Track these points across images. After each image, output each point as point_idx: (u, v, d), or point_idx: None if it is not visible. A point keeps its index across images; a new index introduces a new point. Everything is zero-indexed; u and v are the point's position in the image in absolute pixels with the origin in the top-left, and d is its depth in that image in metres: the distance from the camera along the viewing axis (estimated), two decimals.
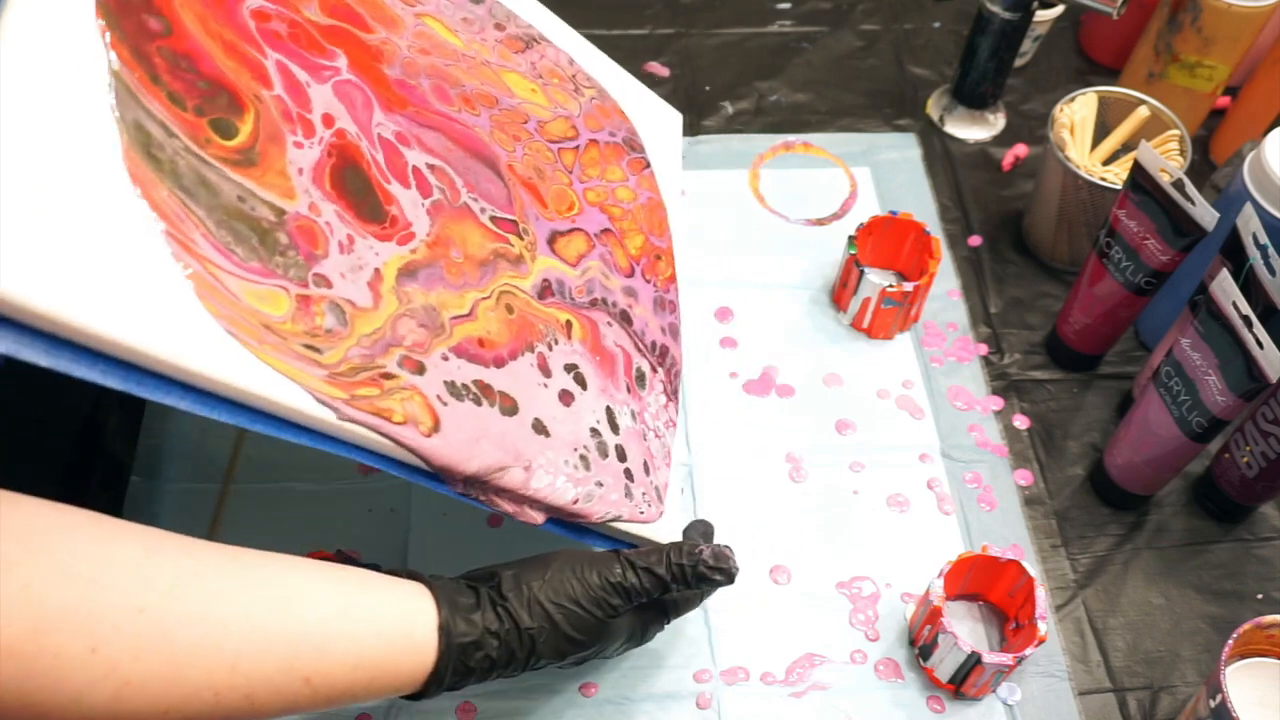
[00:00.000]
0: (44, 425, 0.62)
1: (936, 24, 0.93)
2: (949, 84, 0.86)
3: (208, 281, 0.40)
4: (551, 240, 0.57)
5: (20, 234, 0.34)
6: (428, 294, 0.49)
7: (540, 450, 0.51)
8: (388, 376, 0.45)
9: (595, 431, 0.54)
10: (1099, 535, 0.65)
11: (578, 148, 0.62)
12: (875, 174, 0.82)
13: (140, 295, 0.37)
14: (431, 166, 0.52)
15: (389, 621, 0.44)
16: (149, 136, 0.40)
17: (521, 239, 0.55)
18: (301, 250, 0.44)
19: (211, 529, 0.63)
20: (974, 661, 0.55)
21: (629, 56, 0.89)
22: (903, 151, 0.83)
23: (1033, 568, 0.58)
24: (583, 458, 0.53)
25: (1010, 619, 0.60)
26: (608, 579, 0.48)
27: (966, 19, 0.86)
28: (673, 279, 0.64)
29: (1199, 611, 0.63)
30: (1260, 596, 0.64)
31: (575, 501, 0.51)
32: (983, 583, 0.61)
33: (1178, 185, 0.60)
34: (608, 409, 0.56)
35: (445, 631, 0.45)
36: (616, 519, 0.53)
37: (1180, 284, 0.65)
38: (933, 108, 0.86)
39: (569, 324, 0.56)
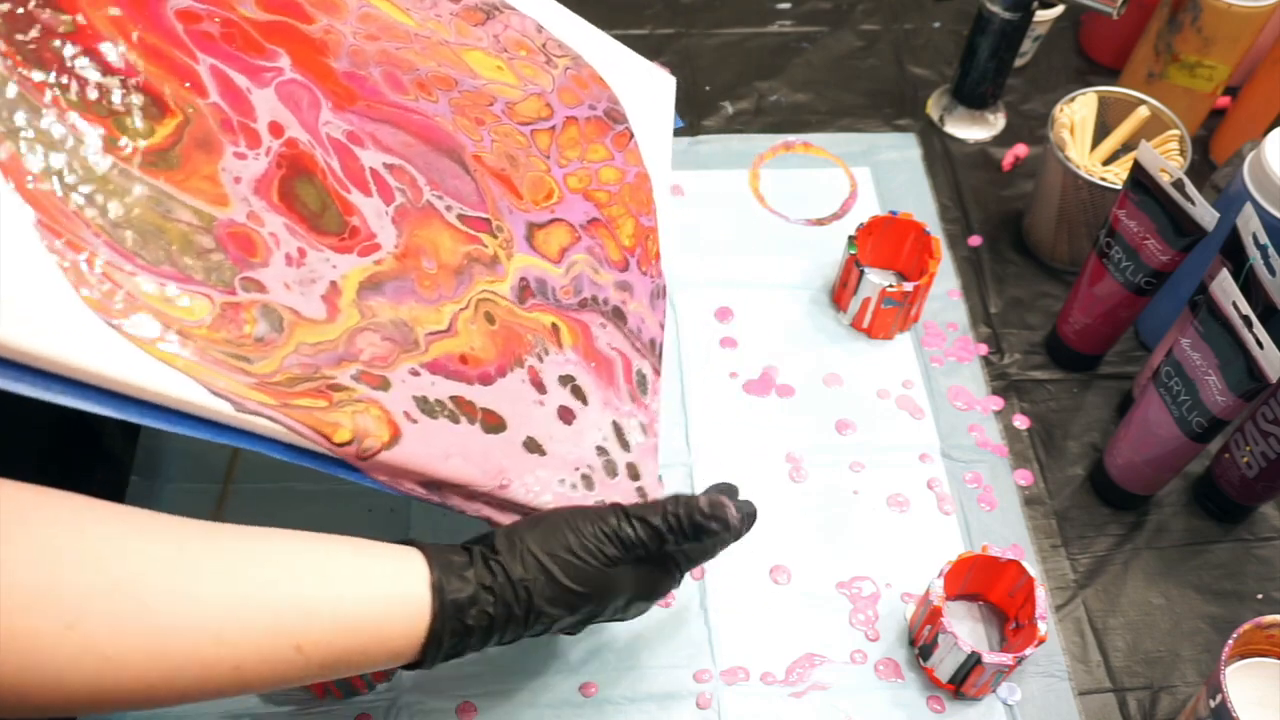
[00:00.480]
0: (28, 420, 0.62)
1: (936, 24, 0.93)
2: (949, 84, 0.86)
3: (89, 276, 0.37)
4: (529, 235, 0.53)
5: None
6: (397, 308, 0.46)
7: (529, 469, 0.49)
8: (337, 388, 0.43)
9: (602, 450, 0.52)
10: (1099, 535, 0.65)
11: (554, 128, 0.57)
12: (875, 174, 0.82)
13: (7, 289, 0.35)
14: (390, 166, 0.49)
15: (379, 583, 0.43)
16: (16, 128, 0.37)
17: (495, 237, 0.52)
18: (230, 255, 0.41)
19: None
20: (974, 661, 0.55)
21: None
22: (903, 151, 0.83)
23: (1033, 568, 0.58)
24: (585, 477, 0.51)
25: (1010, 619, 0.60)
26: (601, 529, 0.47)
27: (966, 19, 0.86)
28: (658, 256, 0.60)
29: (1199, 611, 0.63)
30: (1260, 596, 0.64)
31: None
32: (983, 583, 0.61)
33: (1178, 185, 0.60)
34: (614, 424, 0.54)
35: (438, 590, 0.43)
36: None
37: (1180, 284, 0.65)
38: (933, 108, 0.86)
39: (555, 328, 0.53)
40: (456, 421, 0.47)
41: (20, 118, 0.37)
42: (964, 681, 0.57)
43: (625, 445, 0.53)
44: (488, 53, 0.56)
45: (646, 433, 0.55)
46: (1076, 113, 0.74)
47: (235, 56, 0.45)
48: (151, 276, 0.39)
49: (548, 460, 0.50)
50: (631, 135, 0.61)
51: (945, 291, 0.75)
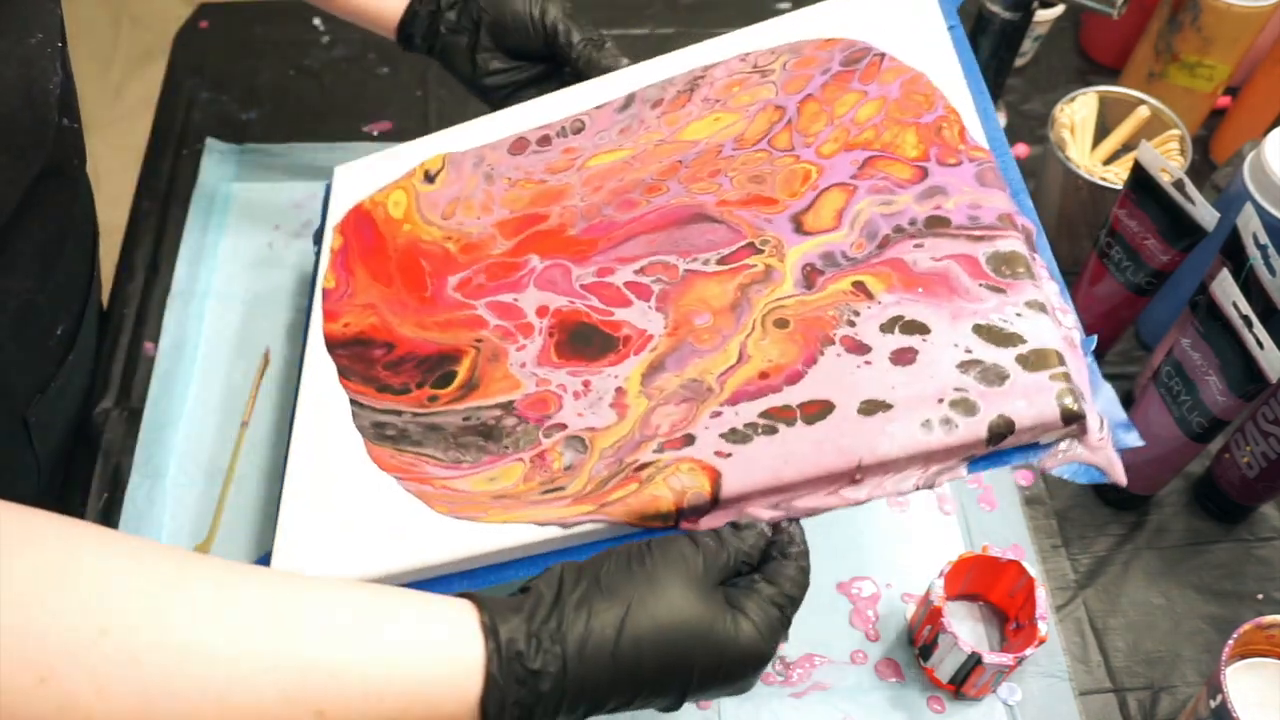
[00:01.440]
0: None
1: None
2: None
3: (436, 494, 0.48)
4: (796, 226, 0.51)
5: (310, 530, 0.50)
6: (682, 373, 0.48)
7: (877, 430, 0.44)
8: (643, 467, 0.46)
9: (969, 364, 0.44)
10: (1099, 535, 0.65)
11: (789, 122, 0.55)
12: None
13: (388, 533, 0.48)
14: (640, 270, 0.52)
15: (420, 634, 0.37)
16: (381, 426, 0.51)
17: (761, 252, 0.51)
18: (531, 419, 0.49)
19: (211, 529, 0.63)
20: (974, 662, 0.55)
21: (629, 56, 0.89)
22: None
23: (1033, 568, 0.58)
24: (957, 403, 0.43)
25: (1010, 619, 0.60)
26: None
27: (967, 19, 0.86)
28: (963, 132, 0.52)
29: (1199, 611, 0.63)
30: (1260, 596, 0.64)
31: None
32: (983, 583, 0.61)
33: (1178, 185, 0.60)
34: (977, 327, 0.45)
35: (490, 632, 0.37)
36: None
37: (1180, 284, 0.65)
38: None
39: (858, 285, 0.48)
40: (774, 432, 0.45)
41: (383, 418, 0.52)
42: (964, 682, 0.57)
43: (1006, 340, 0.45)
44: (700, 119, 0.57)
45: (1040, 308, 0.45)
46: (1077, 113, 0.73)
47: (499, 286, 0.54)
48: (474, 473, 0.48)
49: (895, 412, 0.44)
50: (882, 57, 0.55)
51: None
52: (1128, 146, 0.74)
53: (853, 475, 0.43)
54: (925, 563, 0.62)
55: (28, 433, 0.58)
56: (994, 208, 0.49)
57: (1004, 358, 0.44)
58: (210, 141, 0.80)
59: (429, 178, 0.60)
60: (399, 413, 0.51)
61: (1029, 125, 0.86)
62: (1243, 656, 0.56)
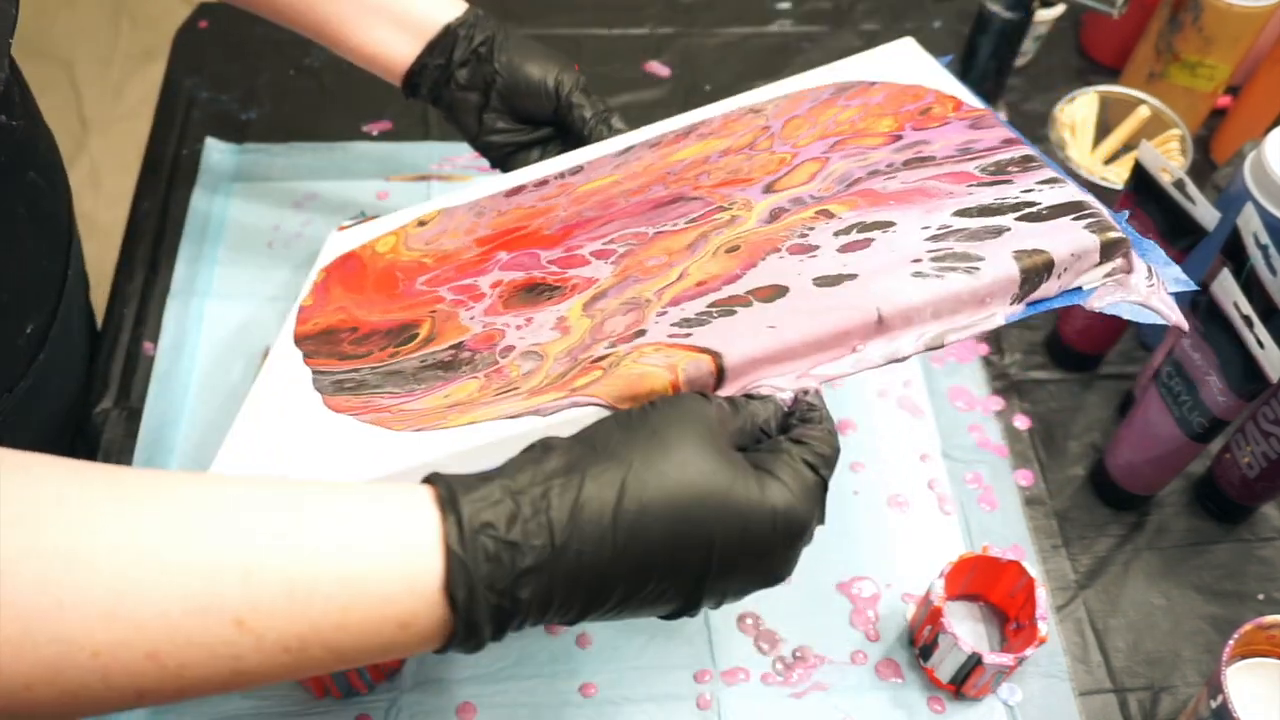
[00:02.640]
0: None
1: (937, 24, 0.93)
2: None
3: (393, 418, 0.44)
4: (767, 188, 0.49)
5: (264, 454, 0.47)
6: (622, 295, 0.45)
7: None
8: (599, 359, 0.41)
9: (941, 235, 0.42)
10: (1100, 535, 0.65)
11: (772, 134, 0.53)
12: None
13: (344, 452, 0.44)
14: (610, 240, 0.50)
15: (358, 523, 0.31)
16: (340, 382, 0.49)
17: (729, 209, 0.48)
18: (482, 349, 0.47)
19: None
20: (974, 662, 0.55)
21: (629, 56, 0.89)
22: None
23: (1033, 568, 0.58)
24: (938, 257, 0.41)
25: (1011, 619, 0.60)
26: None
27: (967, 19, 0.86)
28: (958, 105, 0.50)
29: (1200, 612, 0.63)
30: (1261, 597, 0.64)
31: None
32: (983, 583, 0.60)
33: (1178, 185, 0.60)
34: (960, 210, 0.43)
35: (447, 504, 0.32)
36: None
37: None
38: None
39: (822, 213, 0.45)
40: (732, 314, 0.41)
41: (342, 377, 0.50)
42: (964, 682, 0.57)
43: (1007, 210, 0.42)
44: (691, 146, 0.56)
45: (1059, 183, 0.43)
46: (1077, 112, 0.73)
47: (463, 276, 0.53)
48: (429, 394, 0.45)
49: (861, 280, 0.40)
50: (872, 84, 0.54)
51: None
52: (1128, 146, 0.74)
53: (873, 329, 0.39)
54: (925, 563, 0.62)
55: (28, 432, 0.57)
56: (994, 137, 0.46)
57: (999, 221, 0.41)
58: (210, 141, 0.80)
59: (421, 224, 0.60)
60: (358, 370, 0.49)
61: (1029, 125, 0.86)
62: (1243, 657, 0.56)
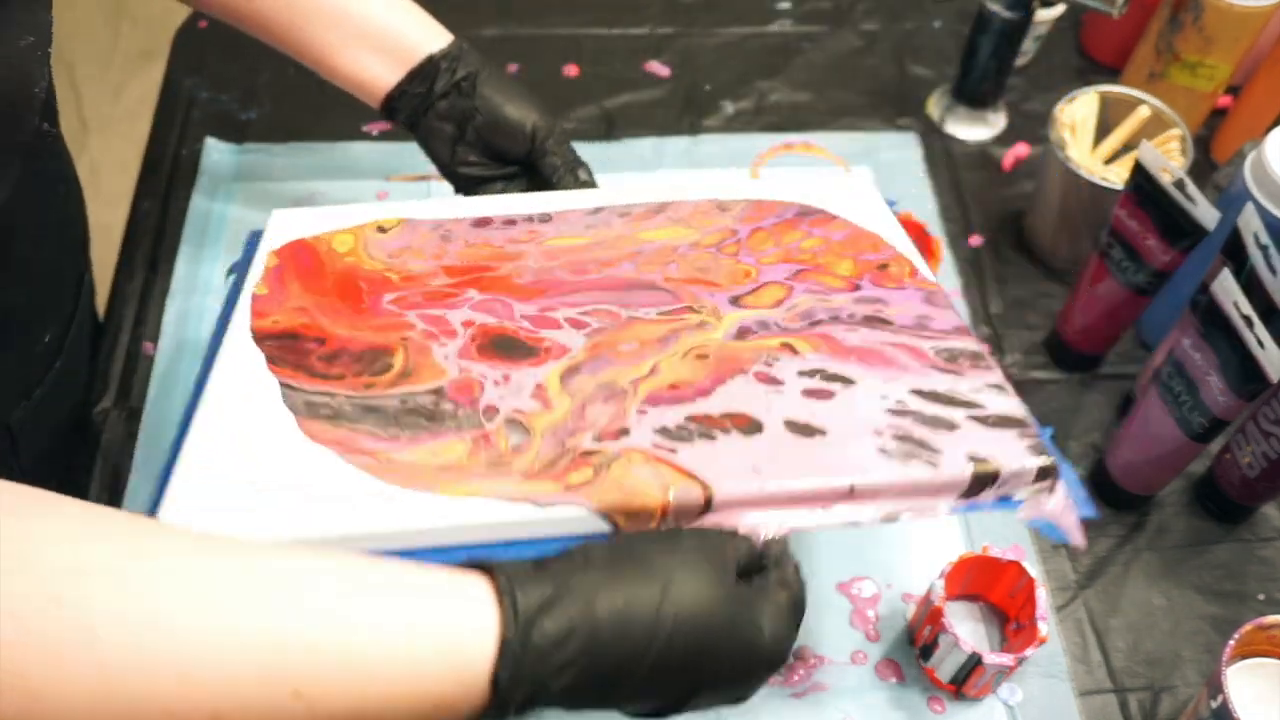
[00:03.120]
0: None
1: (937, 24, 0.93)
2: (949, 83, 0.86)
3: (380, 465, 0.45)
4: (735, 301, 0.53)
5: (230, 490, 0.44)
6: (596, 377, 0.48)
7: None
8: (589, 454, 0.45)
9: (900, 411, 0.46)
10: (1100, 535, 0.65)
11: (739, 240, 0.57)
12: (876, 174, 0.82)
13: (329, 498, 0.43)
14: (585, 312, 0.53)
15: (419, 604, 0.34)
16: (314, 405, 0.48)
17: (698, 313, 0.52)
18: (464, 403, 0.48)
19: None
20: (974, 662, 0.55)
21: (629, 56, 0.89)
22: (903, 151, 0.83)
23: (1033, 568, 0.58)
24: (899, 435, 0.45)
25: (1011, 619, 0.60)
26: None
27: (967, 18, 0.86)
28: (913, 273, 0.55)
29: (1200, 612, 0.63)
30: (1261, 597, 0.64)
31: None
32: (983, 583, 0.60)
33: (1179, 185, 0.60)
34: (916, 390, 0.47)
35: (505, 595, 0.34)
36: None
37: (1181, 284, 0.65)
38: (933, 107, 0.86)
39: (787, 345, 0.50)
40: (713, 439, 0.45)
41: (317, 399, 0.48)
42: (964, 682, 0.57)
43: (956, 403, 0.46)
44: (662, 227, 0.59)
45: (1002, 390, 0.47)
46: (1077, 112, 0.73)
47: (433, 304, 0.54)
48: (415, 445, 0.46)
49: (829, 439, 0.45)
50: (834, 217, 0.59)
51: (945, 292, 0.75)
52: (1128, 146, 0.74)
53: (844, 496, 0.44)
54: (925, 563, 0.62)
55: (11, 439, 0.58)
56: (948, 321, 0.51)
57: (951, 413, 0.46)
58: (210, 141, 0.80)
59: (381, 230, 0.59)
60: (332, 395, 0.49)
61: (1029, 125, 0.86)
62: (1243, 657, 0.56)
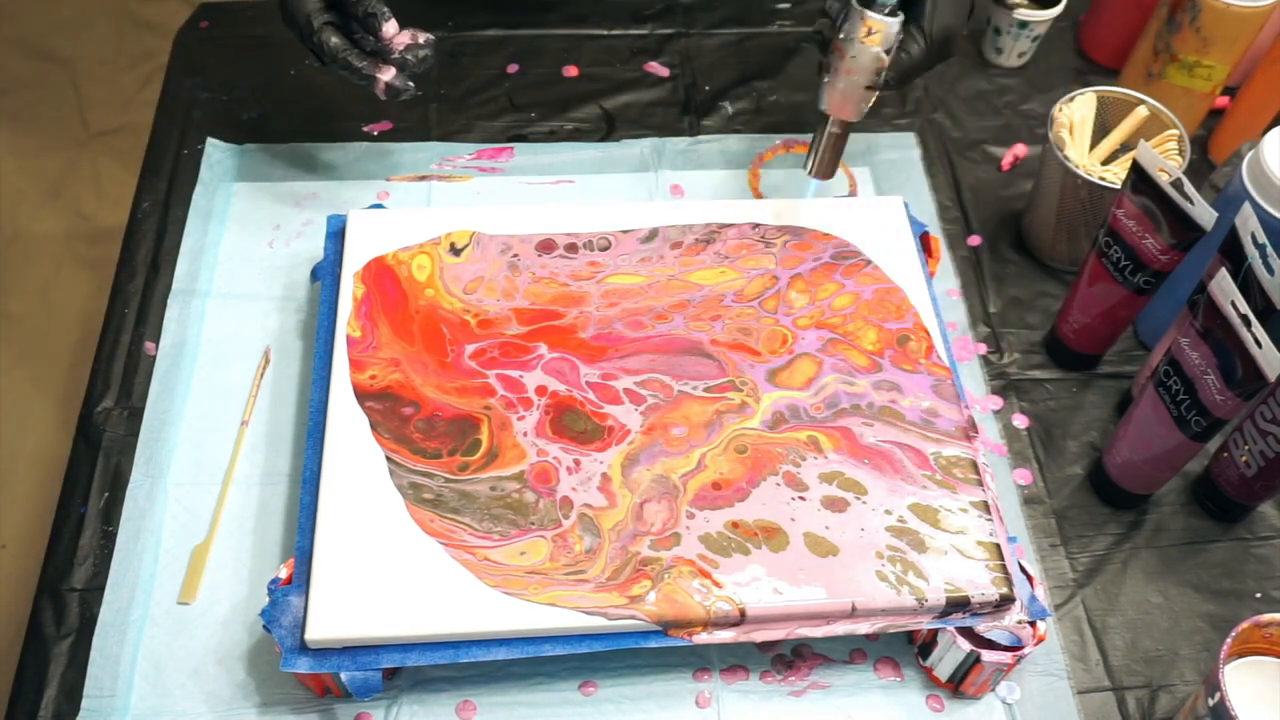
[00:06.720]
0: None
1: None
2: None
3: (479, 564, 0.54)
4: (771, 378, 0.62)
5: (351, 584, 0.54)
6: (651, 468, 0.58)
7: (845, 569, 0.55)
8: (647, 562, 0.55)
9: (899, 531, 0.56)
10: (1098, 534, 0.66)
11: (779, 291, 0.66)
12: (875, 173, 0.82)
13: (440, 598, 0.53)
14: (641, 382, 0.62)
15: None
16: (419, 487, 0.57)
17: (740, 391, 0.61)
18: (543, 493, 0.57)
19: (211, 529, 0.63)
20: (973, 660, 0.55)
21: (629, 56, 0.89)
22: (902, 151, 0.83)
23: (1032, 567, 0.58)
24: (895, 559, 0.55)
25: None
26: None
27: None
28: (931, 350, 0.64)
29: (1198, 610, 0.63)
30: (1259, 595, 0.64)
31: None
32: None
33: (1176, 185, 0.60)
34: (914, 505, 0.57)
35: None
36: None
37: (1179, 283, 0.65)
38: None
39: (812, 440, 0.60)
40: (747, 553, 0.55)
41: (420, 480, 0.57)
42: (963, 680, 0.57)
43: (943, 526, 0.57)
44: (711, 267, 0.67)
45: (984, 509, 0.58)
46: (1075, 112, 0.74)
47: (509, 362, 0.62)
48: (506, 543, 0.55)
49: (843, 564, 0.55)
50: (867, 263, 0.68)
51: (944, 291, 0.75)
52: (1126, 146, 0.74)
53: (846, 614, 0.54)
54: None
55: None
56: (950, 419, 0.61)
57: (939, 539, 0.56)
58: (210, 141, 0.80)
59: (455, 250, 0.66)
60: (432, 476, 0.57)
61: (1028, 125, 0.86)
62: (1241, 655, 0.56)
